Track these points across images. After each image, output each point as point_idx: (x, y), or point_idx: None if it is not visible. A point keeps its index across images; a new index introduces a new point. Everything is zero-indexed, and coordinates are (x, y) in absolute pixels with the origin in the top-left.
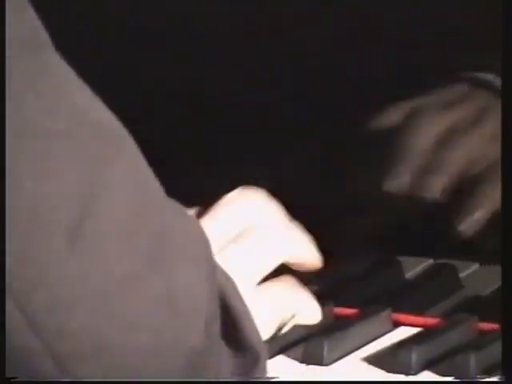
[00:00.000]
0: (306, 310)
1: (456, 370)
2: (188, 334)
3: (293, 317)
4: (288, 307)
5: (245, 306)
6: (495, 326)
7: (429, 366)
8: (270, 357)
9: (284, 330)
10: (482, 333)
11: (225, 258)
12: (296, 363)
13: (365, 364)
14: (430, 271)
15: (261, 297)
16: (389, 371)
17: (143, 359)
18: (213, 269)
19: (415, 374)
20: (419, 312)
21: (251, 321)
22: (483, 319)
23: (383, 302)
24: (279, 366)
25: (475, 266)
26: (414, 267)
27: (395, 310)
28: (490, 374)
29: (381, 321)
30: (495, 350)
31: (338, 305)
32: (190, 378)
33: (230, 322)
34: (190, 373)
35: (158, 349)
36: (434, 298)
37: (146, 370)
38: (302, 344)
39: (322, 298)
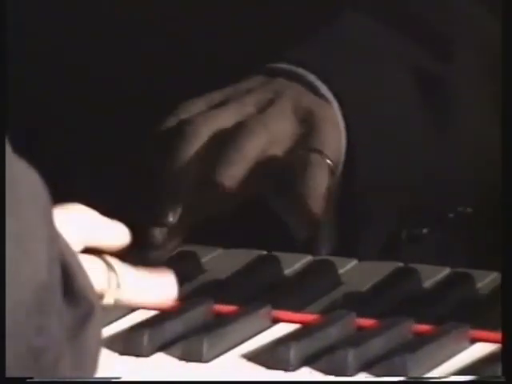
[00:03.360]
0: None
1: (334, 366)
2: (35, 270)
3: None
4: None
5: (78, 259)
6: (373, 321)
7: (308, 362)
8: (149, 354)
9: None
10: (360, 329)
11: None
12: (175, 360)
13: (244, 361)
14: (308, 268)
15: None
16: (268, 367)
17: None
18: (51, 215)
19: (294, 370)
20: (298, 308)
21: (84, 273)
22: (361, 315)
23: (263, 299)
24: (158, 363)
25: (354, 262)
26: (293, 264)
27: (274, 307)
28: (367, 371)
29: (260, 317)
30: (373, 346)
31: (217, 302)
32: (41, 314)
33: (64, 274)
34: (40, 308)
35: (10, 283)
36: (313, 294)
37: None
38: (182, 341)
39: (201, 295)
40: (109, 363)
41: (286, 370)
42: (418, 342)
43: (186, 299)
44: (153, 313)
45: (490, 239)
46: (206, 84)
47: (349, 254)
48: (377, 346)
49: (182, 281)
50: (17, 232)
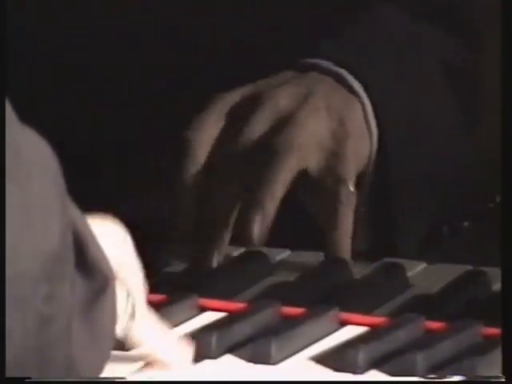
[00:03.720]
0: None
1: (403, 368)
2: (43, 240)
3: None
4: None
5: (92, 233)
6: (442, 324)
7: (376, 364)
8: (218, 356)
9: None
10: (429, 332)
11: None
12: (243, 362)
13: (312, 363)
14: (377, 270)
15: None
16: (336, 370)
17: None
18: (62, 185)
19: (362, 372)
20: (367, 311)
21: (99, 246)
22: (430, 318)
23: (330, 302)
24: (226, 365)
25: (423, 265)
26: (363, 266)
27: (342, 309)
28: (436, 373)
29: (328, 320)
30: (442, 349)
31: (285, 304)
32: (50, 283)
33: (78, 247)
34: (49, 277)
35: (16, 254)
36: (381, 297)
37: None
38: (250, 343)
39: (269, 297)
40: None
41: (354, 372)
42: (487, 345)
43: (254, 301)
44: (221, 315)
45: None
46: (229, 82)
47: (387, 251)
48: (445, 348)
49: (250, 282)
50: (25, 203)
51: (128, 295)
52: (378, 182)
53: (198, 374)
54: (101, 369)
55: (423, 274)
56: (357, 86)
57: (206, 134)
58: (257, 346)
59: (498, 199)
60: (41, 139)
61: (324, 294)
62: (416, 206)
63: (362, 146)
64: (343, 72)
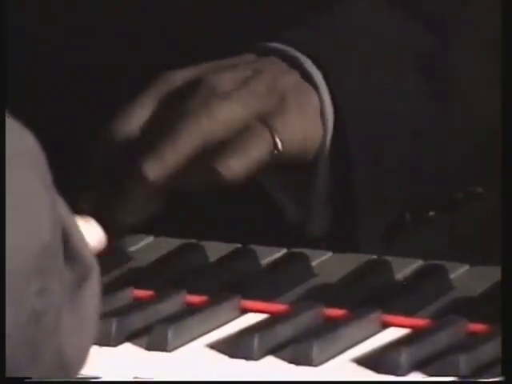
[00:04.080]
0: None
1: (445, 370)
2: (36, 234)
3: None
4: None
5: (74, 221)
6: (485, 326)
7: (418, 366)
8: (259, 358)
9: None
10: (472, 334)
11: None
12: (285, 364)
13: (354, 365)
14: (420, 272)
15: None
16: (378, 372)
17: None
18: (49, 179)
19: (404, 374)
20: (409, 313)
21: (81, 234)
22: (473, 320)
23: (373, 303)
24: (268, 366)
25: (466, 267)
26: (405, 268)
27: (385, 311)
28: (479, 375)
29: (370, 322)
30: (485, 351)
31: (327, 306)
32: (42, 277)
33: (64, 238)
34: (42, 271)
35: (9, 250)
36: (423, 298)
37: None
38: (292, 345)
39: (311, 299)
40: (218, 366)
41: (396, 374)
42: None
43: (297, 303)
44: (263, 317)
45: None
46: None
47: (349, 240)
48: (487, 350)
49: (292, 284)
50: (14, 196)
51: None
52: (338, 167)
53: (239, 375)
54: (87, 352)
55: (466, 276)
56: (314, 72)
57: (143, 107)
58: (299, 348)
59: (470, 188)
60: (26, 131)
61: (366, 296)
62: (379, 194)
63: (298, 126)
64: (302, 58)
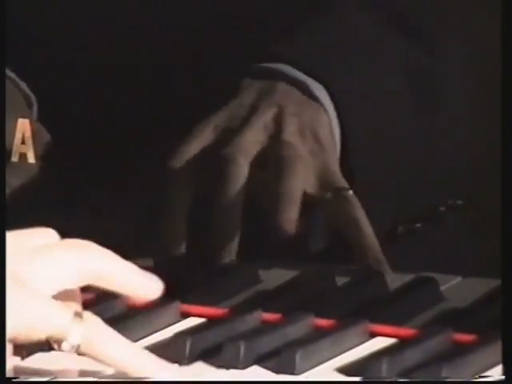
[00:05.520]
0: None
1: (428, 380)
2: None
3: None
4: None
5: None
6: (470, 337)
7: (402, 375)
8: (245, 367)
9: None
10: (457, 344)
11: None
12: (270, 373)
13: (336, 373)
14: (411, 283)
15: None
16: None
17: None
18: None
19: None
20: (397, 323)
21: None
22: (459, 330)
23: (362, 314)
24: (253, 376)
25: (458, 279)
26: (396, 279)
27: (373, 321)
28: None
29: (357, 332)
30: (468, 362)
31: (318, 315)
32: None
33: None
34: None
35: None
36: (413, 310)
37: None
38: (276, 355)
39: (301, 308)
40: (206, 375)
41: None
42: None
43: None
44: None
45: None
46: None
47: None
48: (473, 360)
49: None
50: None
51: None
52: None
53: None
54: None
55: (456, 288)
56: (322, 95)
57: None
58: (283, 357)
59: (450, 202)
60: None
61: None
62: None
63: (333, 157)
64: (308, 81)
